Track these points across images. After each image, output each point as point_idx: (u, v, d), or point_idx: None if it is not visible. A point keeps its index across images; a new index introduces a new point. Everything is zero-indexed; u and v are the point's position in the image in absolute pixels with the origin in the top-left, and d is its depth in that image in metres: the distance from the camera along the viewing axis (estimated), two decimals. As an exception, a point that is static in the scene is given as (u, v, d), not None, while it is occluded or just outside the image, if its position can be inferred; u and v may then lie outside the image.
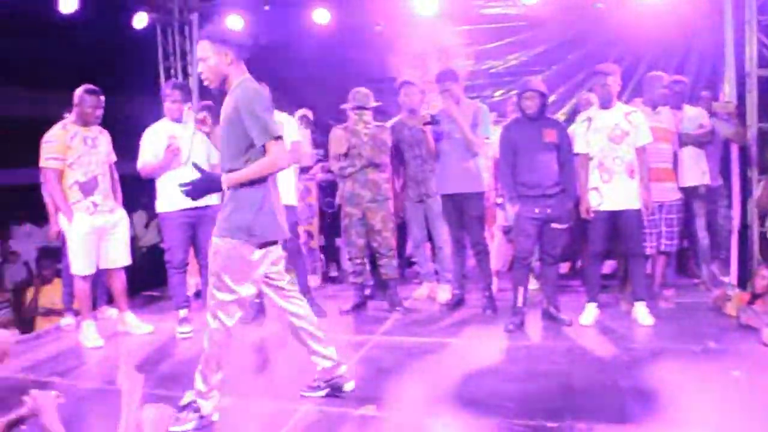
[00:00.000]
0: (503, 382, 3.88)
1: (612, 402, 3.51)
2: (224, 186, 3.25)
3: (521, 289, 4.96)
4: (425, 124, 5.36)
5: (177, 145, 5.06)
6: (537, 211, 4.84)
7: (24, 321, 6.77)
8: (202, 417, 3.37)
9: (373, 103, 5.47)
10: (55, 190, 4.92)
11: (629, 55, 7.09)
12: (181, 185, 3.28)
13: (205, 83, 3.34)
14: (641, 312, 4.90)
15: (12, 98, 9.37)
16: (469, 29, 7.80)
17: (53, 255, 7.03)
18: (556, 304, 5.08)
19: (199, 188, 3.30)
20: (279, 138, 3.23)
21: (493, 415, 3.36)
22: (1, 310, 7.42)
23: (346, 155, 5.43)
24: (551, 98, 6.41)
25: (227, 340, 3.37)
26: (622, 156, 4.84)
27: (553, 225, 4.89)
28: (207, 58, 3.28)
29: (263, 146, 3.20)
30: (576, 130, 5.06)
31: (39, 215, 6.18)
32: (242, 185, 3.23)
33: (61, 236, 5.39)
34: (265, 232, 3.30)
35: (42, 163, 4.92)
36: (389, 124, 5.78)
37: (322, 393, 3.69)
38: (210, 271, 3.31)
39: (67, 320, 5.62)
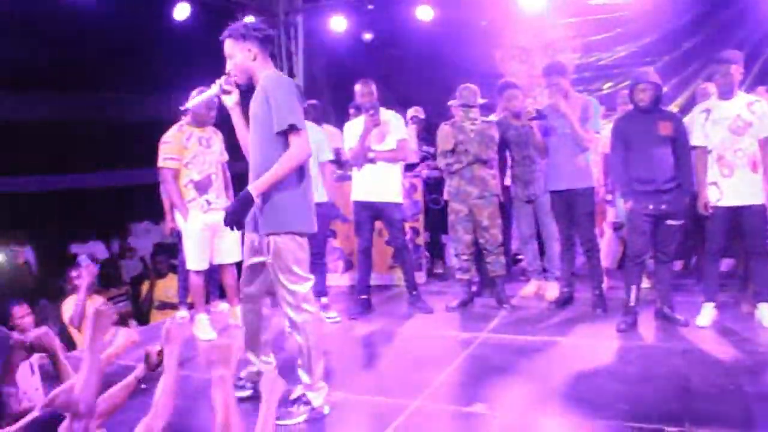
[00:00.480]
0: (616, 383, 3.76)
1: (736, 408, 3.33)
2: (255, 194, 3.25)
3: (634, 288, 4.78)
4: (531, 119, 5.26)
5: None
6: (651, 207, 4.66)
7: (140, 313, 7.12)
8: (313, 409, 3.44)
9: (480, 101, 5.44)
10: (172, 189, 5.14)
11: (751, 40, 6.71)
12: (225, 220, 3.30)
13: (234, 80, 3.43)
14: (766, 314, 4.63)
15: (129, 103, 9.91)
16: (575, 21, 7.64)
17: (168, 250, 7.37)
18: (670, 304, 4.88)
19: (236, 213, 3.27)
20: (297, 129, 3.26)
21: (606, 417, 3.27)
22: (120, 302, 7.84)
23: (452, 152, 5.41)
24: (663, 90, 6.14)
25: (320, 325, 3.53)
26: (744, 148, 4.58)
27: (668, 222, 4.69)
28: (233, 56, 3.36)
29: (286, 137, 3.27)
30: (693, 121, 4.84)
31: (156, 213, 6.48)
32: (280, 183, 3.27)
33: (176, 233, 5.62)
34: (307, 222, 3.43)
35: (160, 163, 5.15)
36: (494, 119, 5.72)
37: (247, 393, 3.66)
38: (278, 269, 3.34)
39: (182, 313, 5.87)
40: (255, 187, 3.26)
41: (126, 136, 9.01)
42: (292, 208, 3.34)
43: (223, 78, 3.44)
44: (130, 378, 2.62)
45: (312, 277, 3.45)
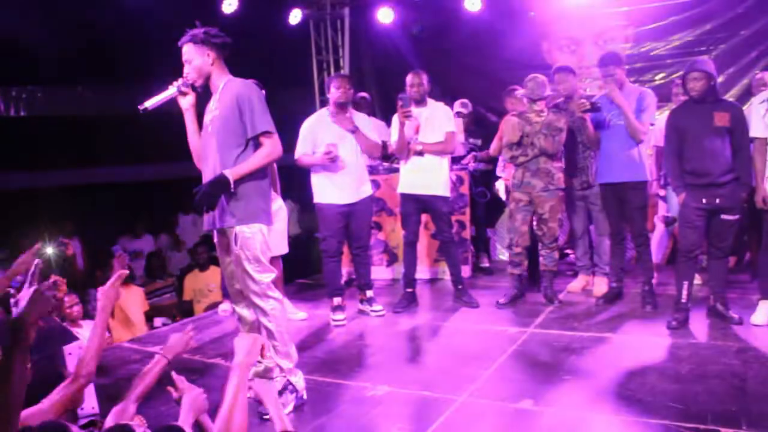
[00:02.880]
0: (667, 381, 3.67)
1: (794, 409, 3.23)
2: (231, 179, 3.35)
3: (686, 284, 4.65)
4: (584, 111, 5.14)
5: (336, 153, 5.11)
6: (705, 201, 4.52)
7: (184, 306, 7.22)
8: (297, 395, 3.56)
9: (548, 92, 5.34)
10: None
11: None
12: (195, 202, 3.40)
13: (191, 82, 3.52)
14: (825, 312, 4.46)
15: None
16: (627, 10, 7.45)
17: (210, 243, 7.46)
18: (724, 301, 4.74)
19: (210, 194, 3.37)
20: (270, 133, 3.44)
21: (658, 416, 3.19)
22: (167, 294, 7.97)
23: (519, 144, 5.32)
24: (719, 79, 5.96)
25: (284, 310, 3.68)
26: (806, 142, 4.41)
27: (723, 216, 4.55)
28: (191, 60, 3.49)
29: (256, 140, 3.43)
30: (753, 112, 4.66)
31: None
32: (248, 176, 3.41)
33: None
34: (270, 216, 3.61)
35: None
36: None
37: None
38: (246, 260, 3.43)
39: (225, 306, 5.92)
40: (232, 172, 3.37)
41: (173, 128, 9.13)
42: (261, 201, 3.50)
43: (180, 80, 3.53)
44: (161, 361, 2.73)
45: (273, 268, 3.56)
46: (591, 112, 5.13)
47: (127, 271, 3.16)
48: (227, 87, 3.50)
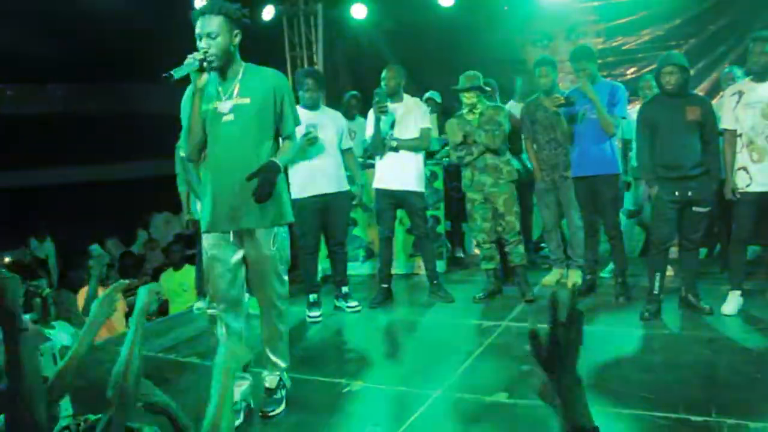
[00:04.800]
0: (640, 371, 3.72)
1: (762, 397, 3.28)
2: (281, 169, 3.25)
3: (658, 276, 4.70)
4: (559, 106, 5.15)
5: (315, 134, 5.11)
6: (677, 193, 4.57)
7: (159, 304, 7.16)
8: (287, 390, 3.58)
9: (476, 83, 5.25)
10: (193, 179, 5.16)
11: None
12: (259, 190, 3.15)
13: (209, 60, 3.07)
14: (793, 301, 4.55)
15: (150, 95, 9.95)
16: (598, 4, 7.52)
17: (184, 241, 7.40)
18: (695, 292, 4.80)
19: (270, 182, 3.15)
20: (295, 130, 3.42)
21: (632, 406, 3.24)
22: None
23: (463, 144, 5.33)
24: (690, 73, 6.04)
25: None
26: (776, 134, 4.47)
27: (695, 209, 4.60)
28: (217, 35, 3.11)
29: (287, 135, 3.36)
30: (723, 104, 4.72)
31: (177, 204, 6.51)
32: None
33: (195, 224, 5.63)
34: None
35: (183, 154, 5.16)
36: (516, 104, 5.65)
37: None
38: (279, 261, 3.37)
39: (199, 304, 5.89)
40: (280, 161, 3.24)
41: (145, 127, 9.06)
42: (287, 199, 3.43)
43: (202, 53, 3.08)
44: None
45: None
46: (565, 107, 5.15)
47: (127, 281, 3.01)
48: (252, 73, 3.26)
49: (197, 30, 3.14)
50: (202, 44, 3.11)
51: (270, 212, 3.27)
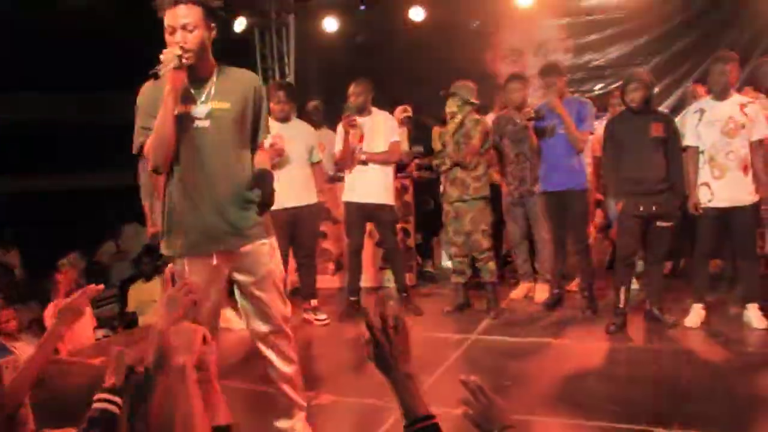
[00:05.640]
0: (605, 384, 3.77)
1: (724, 410, 3.35)
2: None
3: (623, 289, 4.77)
4: (529, 119, 5.18)
5: (281, 145, 5.11)
6: (642, 208, 4.65)
7: (128, 317, 7.07)
8: None
9: (459, 92, 5.27)
10: (160, 190, 5.11)
11: (740, 41, 6.71)
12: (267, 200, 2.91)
13: (184, 58, 2.68)
14: (754, 315, 4.62)
15: (121, 104, 9.84)
16: (567, 22, 7.64)
17: (155, 253, 7.31)
18: (660, 305, 4.88)
19: (273, 192, 2.91)
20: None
21: (595, 418, 3.27)
22: (108, 305, 7.78)
23: (442, 152, 5.37)
24: (654, 90, 6.16)
25: None
26: (736, 151, 4.58)
27: (659, 223, 4.69)
28: (194, 28, 2.73)
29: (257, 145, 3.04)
30: (686, 122, 4.83)
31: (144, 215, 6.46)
32: None
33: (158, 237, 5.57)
34: None
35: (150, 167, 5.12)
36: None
37: None
38: (277, 278, 3.06)
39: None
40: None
41: (111, 137, 8.97)
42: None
43: (178, 49, 2.67)
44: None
45: None
46: (535, 120, 5.19)
47: (100, 287, 2.85)
48: (228, 75, 2.90)
49: (169, 21, 2.73)
50: (176, 37, 2.72)
51: (262, 224, 2.97)
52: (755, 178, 4.62)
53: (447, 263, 7.28)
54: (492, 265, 5.36)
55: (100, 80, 8.93)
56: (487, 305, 5.44)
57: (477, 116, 5.35)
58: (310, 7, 8.60)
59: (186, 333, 1.99)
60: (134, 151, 2.89)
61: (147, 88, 2.87)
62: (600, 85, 7.74)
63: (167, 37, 2.76)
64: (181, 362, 1.91)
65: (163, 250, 3.00)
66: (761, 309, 4.66)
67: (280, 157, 5.09)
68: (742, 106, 4.61)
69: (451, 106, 5.28)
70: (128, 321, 6.97)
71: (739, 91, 5.03)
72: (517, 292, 5.93)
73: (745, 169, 4.59)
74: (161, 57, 2.67)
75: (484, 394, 1.73)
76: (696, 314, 4.75)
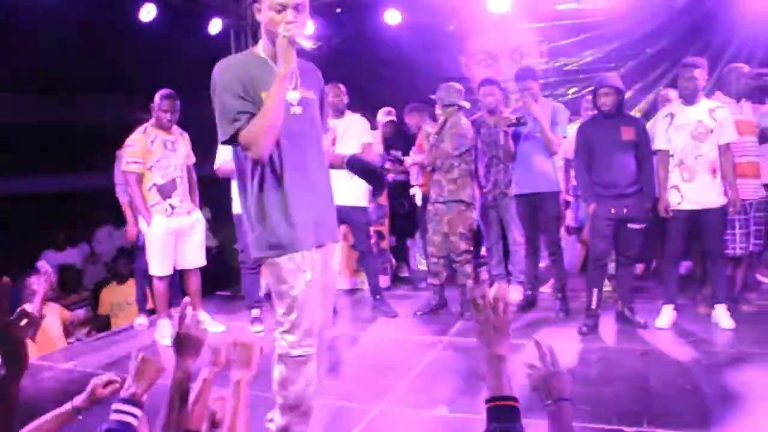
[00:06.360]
0: (577, 384, 3.75)
1: (693, 408, 3.40)
2: None
3: (596, 291, 4.82)
4: (510, 125, 5.17)
5: None
6: (613, 211, 4.71)
7: (100, 319, 7.01)
8: None
9: (440, 94, 5.37)
10: (135, 193, 5.07)
11: (710, 48, 6.81)
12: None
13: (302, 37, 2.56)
14: (722, 315, 4.71)
15: (93, 105, 9.75)
16: (542, 26, 7.70)
17: (130, 254, 7.25)
18: (631, 306, 4.94)
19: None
20: None
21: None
22: (81, 308, 7.69)
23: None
24: (627, 95, 6.23)
25: None
26: (705, 154, 4.65)
27: (630, 225, 4.75)
28: (304, 9, 2.63)
29: None
30: (657, 125, 4.90)
31: (119, 217, 6.40)
32: None
33: (140, 237, 5.54)
34: None
35: (123, 167, 5.09)
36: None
37: None
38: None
39: (140, 320, 5.79)
40: None
41: (88, 139, 8.88)
42: None
43: (293, 27, 2.55)
44: (67, 407, 2.23)
45: None
46: (516, 126, 5.18)
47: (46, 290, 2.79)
48: (302, 65, 2.74)
49: None
50: (287, 16, 2.56)
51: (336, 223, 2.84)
52: (724, 181, 4.70)
53: (422, 266, 7.31)
54: (468, 267, 5.38)
55: (69, 81, 8.86)
56: (462, 307, 5.47)
57: (461, 118, 5.37)
58: (286, 9, 8.59)
59: (245, 349, 2.11)
60: (224, 138, 2.60)
61: (230, 66, 2.67)
62: (573, 89, 7.80)
63: (271, 14, 2.58)
64: (237, 377, 2.05)
65: (265, 249, 2.69)
66: (729, 309, 4.75)
67: None
68: (711, 110, 4.68)
69: (437, 108, 5.33)
70: (101, 324, 6.90)
71: (709, 96, 5.11)
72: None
73: (713, 173, 4.67)
74: (284, 32, 2.53)
75: (553, 360, 1.86)
76: (666, 315, 4.82)
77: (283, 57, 2.51)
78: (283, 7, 2.55)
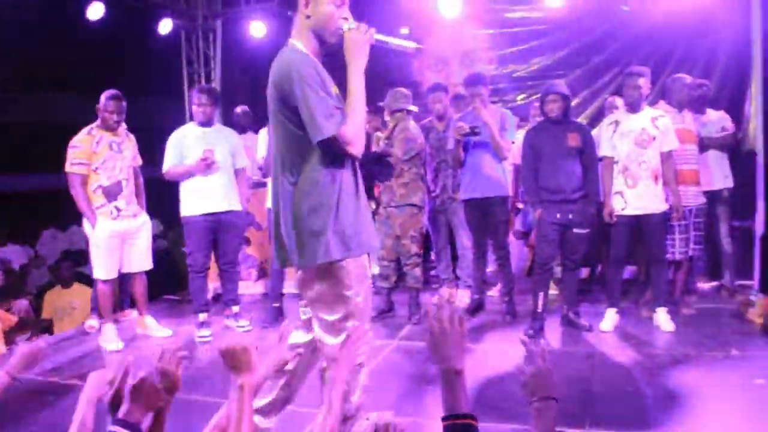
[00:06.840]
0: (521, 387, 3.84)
1: (633, 409, 3.49)
2: None
3: (542, 295, 4.90)
4: (465, 135, 5.15)
5: (213, 158, 5.06)
6: (559, 216, 4.79)
7: (43, 323, 6.84)
8: None
9: (387, 101, 5.45)
10: (79, 195, 4.97)
11: (654, 58, 6.99)
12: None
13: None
14: (663, 318, 4.84)
15: (38, 104, 9.52)
16: (492, 33, 7.79)
17: (75, 258, 7.09)
18: (576, 310, 5.04)
19: None
20: None
21: (513, 421, 3.33)
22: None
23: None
24: (574, 101, 6.37)
25: None
26: (647, 161, 4.78)
27: (575, 230, 4.84)
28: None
29: None
30: (602, 132, 5.01)
31: (64, 220, 6.26)
32: None
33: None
34: None
35: (67, 168, 4.97)
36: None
37: None
38: None
39: (91, 322, 5.67)
40: None
41: (38, 139, 8.68)
42: None
43: (353, 22, 2.56)
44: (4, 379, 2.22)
45: None
46: (470, 136, 5.18)
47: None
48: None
49: None
50: (344, 12, 2.56)
51: None
52: (666, 188, 4.83)
53: (375, 270, 7.32)
54: (418, 271, 5.42)
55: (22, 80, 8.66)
56: (410, 311, 5.48)
57: (409, 122, 5.41)
58: (238, 11, 8.51)
59: (237, 354, 2.03)
60: (330, 134, 2.39)
61: (309, 61, 2.52)
62: (522, 96, 7.91)
63: (329, 8, 2.51)
64: (240, 382, 1.97)
65: (336, 252, 2.50)
66: (669, 312, 4.88)
67: (208, 169, 5.06)
68: (654, 119, 4.81)
69: (386, 115, 5.36)
70: (43, 328, 6.73)
71: (653, 104, 5.24)
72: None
73: (656, 179, 4.80)
74: (350, 27, 2.51)
75: (544, 360, 1.80)
76: (610, 318, 4.93)
77: (362, 53, 2.52)
78: (343, 1, 2.51)
